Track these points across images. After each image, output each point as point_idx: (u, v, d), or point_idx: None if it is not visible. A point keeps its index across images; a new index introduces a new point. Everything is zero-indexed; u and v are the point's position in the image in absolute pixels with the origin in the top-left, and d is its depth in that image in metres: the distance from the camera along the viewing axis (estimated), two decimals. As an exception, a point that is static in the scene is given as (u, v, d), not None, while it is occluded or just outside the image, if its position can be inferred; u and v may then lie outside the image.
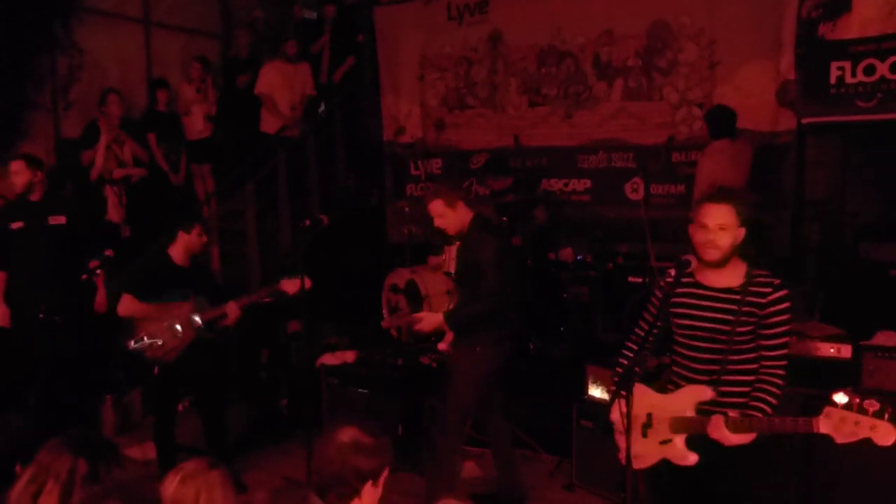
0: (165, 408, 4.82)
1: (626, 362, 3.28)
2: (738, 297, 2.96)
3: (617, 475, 3.36)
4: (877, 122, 5.11)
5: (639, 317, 3.31)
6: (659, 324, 3.16)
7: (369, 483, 2.34)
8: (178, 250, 4.66)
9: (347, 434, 2.35)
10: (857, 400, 2.62)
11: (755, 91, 6.40)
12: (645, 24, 6.92)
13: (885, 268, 5.19)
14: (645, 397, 2.97)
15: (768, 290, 2.95)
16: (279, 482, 4.83)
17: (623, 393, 2.79)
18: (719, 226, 2.91)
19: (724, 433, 2.84)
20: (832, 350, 4.15)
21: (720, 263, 2.97)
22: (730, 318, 2.95)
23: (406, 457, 5.09)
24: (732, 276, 2.99)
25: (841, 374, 4.13)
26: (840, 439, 2.63)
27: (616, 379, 3.29)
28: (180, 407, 5.40)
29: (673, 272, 3.10)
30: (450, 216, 4.27)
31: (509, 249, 4.50)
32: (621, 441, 3.20)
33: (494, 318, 4.17)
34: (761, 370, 3.00)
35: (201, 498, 2.26)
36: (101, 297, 5.32)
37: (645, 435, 3.06)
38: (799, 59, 5.79)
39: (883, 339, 4.15)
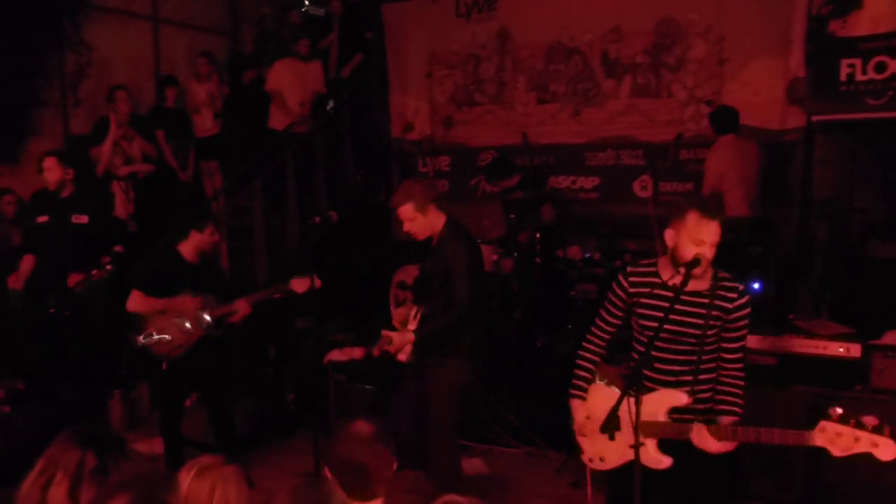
0: (172, 403, 4.83)
1: (585, 363, 3.29)
2: (706, 300, 2.95)
3: (611, 474, 3.33)
4: (886, 120, 5.08)
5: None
6: (613, 322, 3.22)
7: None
8: (189, 248, 4.66)
9: (364, 427, 2.35)
10: (854, 415, 2.62)
11: (764, 88, 6.38)
12: (653, 21, 6.91)
13: (893, 266, 5.17)
14: (610, 399, 2.88)
15: (734, 294, 2.96)
16: (291, 478, 4.85)
17: (632, 393, 2.77)
18: (714, 243, 2.90)
19: (707, 441, 2.84)
20: (841, 349, 4.13)
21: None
22: (699, 321, 2.95)
23: (411, 454, 5.10)
24: (700, 281, 2.96)
25: (850, 374, 4.11)
26: (837, 453, 2.62)
27: (577, 382, 3.31)
28: (187, 402, 5.43)
29: (632, 269, 3.13)
30: (419, 221, 3.94)
31: (481, 257, 4.17)
32: (584, 443, 3.25)
33: (467, 328, 3.94)
34: (723, 374, 3.01)
35: (216, 492, 2.28)
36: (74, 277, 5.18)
37: (612, 437, 3.02)
38: (808, 56, 5.78)
39: (892, 338, 4.14)
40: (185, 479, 2.31)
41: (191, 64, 7.71)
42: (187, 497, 2.28)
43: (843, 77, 5.16)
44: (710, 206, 2.93)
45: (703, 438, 2.84)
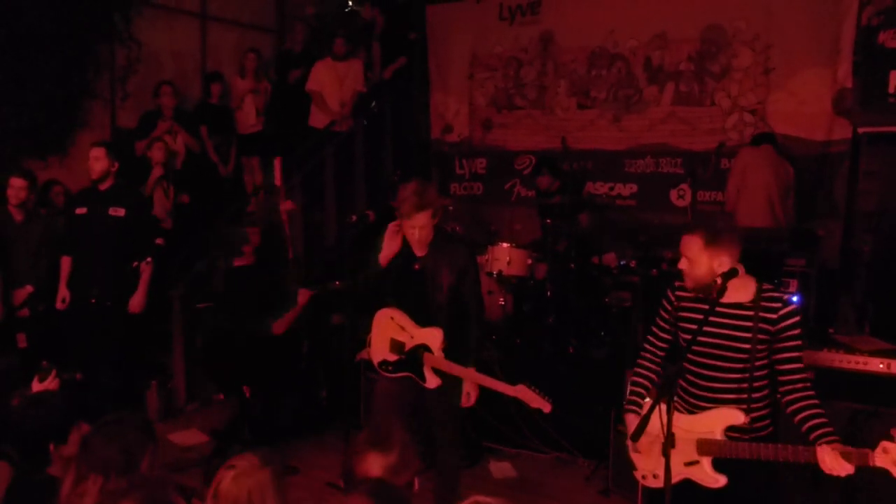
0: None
1: (640, 378, 3.23)
2: (750, 312, 2.89)
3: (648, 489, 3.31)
4: (936, 133, 4.99)
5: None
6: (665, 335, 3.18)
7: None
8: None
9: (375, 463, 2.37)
10: None
11: (810, 98, 6.28)
12: (699, 28, 6.84)
13: (939, 283, 5.05)
14: (664, 415, 2.78)
15: (778, 304, 2.88)
16: (321, 473, 4.89)
17: (661, 404, 2.73)
18: (688, 257, 2.88)
19: (842, 465, 2.67)
20: (882, 365, 4.05)
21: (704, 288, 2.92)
22: (747, 334, 2.89)
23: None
24: (741, 292, 2.90)
25: (890, 390, 4.03)
26: None
27: (632, 398, 3.23)
28: (220, 396, 5.50)
29: (679, 282, 3.06)
30: (429, 228, 3.72)
31: None
32: (638, 459, 3.18)
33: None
34: (797, 392, 2.88)
35: (254, 497, 2.19)
36: (139, 297, 5.31)
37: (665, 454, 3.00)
38: (856, 66, 5.68)
39: (935, 356, 4.05)
40: (223, 481, 2.22)
41: (238, 60, 7.83)
42: (226, 498, 2.20)
43: (891, 89, 5.07)
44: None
45: (838, 462, 2.68)
